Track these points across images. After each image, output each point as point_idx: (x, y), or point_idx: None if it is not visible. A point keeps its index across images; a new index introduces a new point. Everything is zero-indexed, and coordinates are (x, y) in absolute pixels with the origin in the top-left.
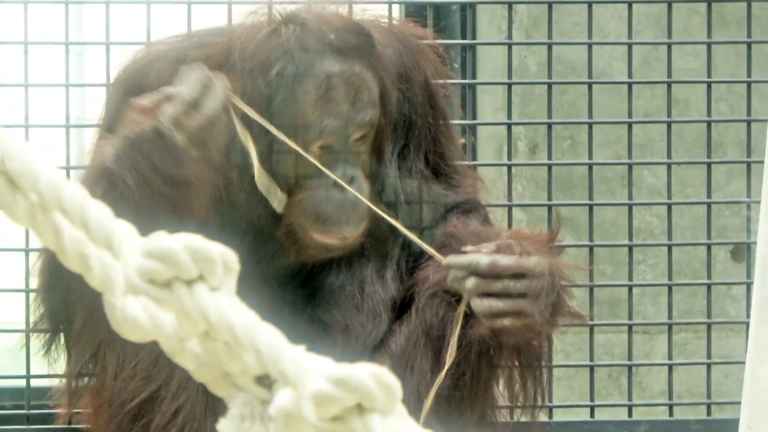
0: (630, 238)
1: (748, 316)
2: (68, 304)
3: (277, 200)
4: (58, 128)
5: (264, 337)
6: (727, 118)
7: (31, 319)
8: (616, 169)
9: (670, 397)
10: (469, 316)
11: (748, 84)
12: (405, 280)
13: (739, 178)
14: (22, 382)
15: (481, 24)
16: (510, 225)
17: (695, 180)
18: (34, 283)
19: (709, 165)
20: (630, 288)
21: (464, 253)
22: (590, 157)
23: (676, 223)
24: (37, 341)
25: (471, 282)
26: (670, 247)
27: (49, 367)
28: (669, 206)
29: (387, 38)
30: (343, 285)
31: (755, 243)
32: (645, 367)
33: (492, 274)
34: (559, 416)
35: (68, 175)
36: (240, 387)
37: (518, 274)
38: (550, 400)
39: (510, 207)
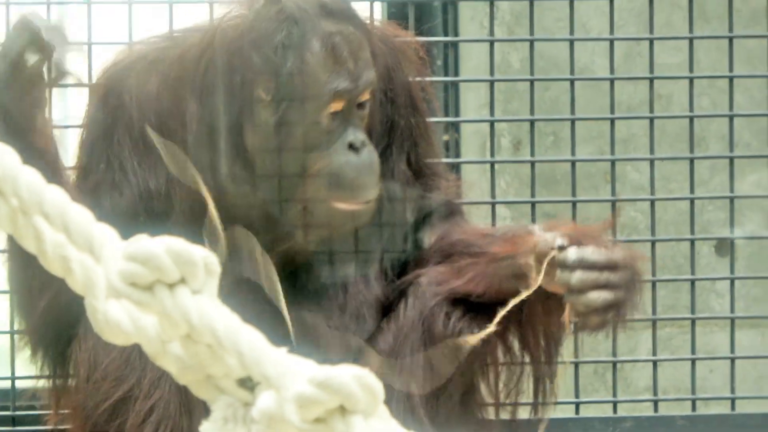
0: (614, 234)
1: (732, 311)
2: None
3: (219, 247)
4: None
5: (246, 340)
6: (709, 113)
7: (16, 321)
8: (599, 165)
9: (655, 393)
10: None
11: (730, 79)
12: (391, 281)
13: (722, 173)
14: (8, 384)
15: (464, 21)
16: (494, 222)
17: (678, 175)
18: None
19: (692, 160)
20: None
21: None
22: (573, 153)
23: (659, 219)
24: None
25: (577, 276)
26: (653, 242)
27: (34, 369)
28: (652, 202)
29: (371, 38)
30: (326, 286)
31: (739, 238)
32: (630, 364)
33: (594, 266)
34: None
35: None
36: (223, 389)
37: (612, 267)
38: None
39: (493, 204)
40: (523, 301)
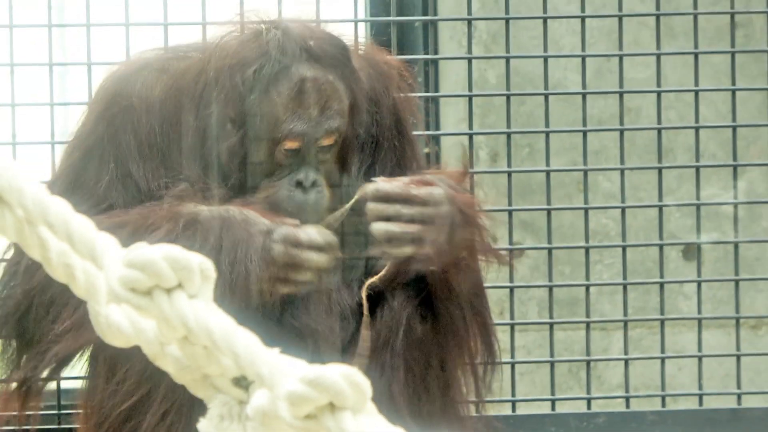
0: (587, 240)
1: (699, 312)
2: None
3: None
4: (44, 145)
5: (241, 341)
6: (676, 125)
7: None
8: (572, 175)
9: (627, 390)
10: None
11: (696, 93)
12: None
13: (689, 182)
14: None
15: (443, 40)
16: None
17: (647, 184)
18: None
19: (660, 170)
20: (587, 287)
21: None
22: (548, 164)
23: (629, 225)
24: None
25: (369, 206)
26: (624, 248)
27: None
28: (623, 209)
29: (359, 63)
30: (312, 291)
31: (705, 243)
32: (603, 362)
33: (384, 198)
34: (522, 410)
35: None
36: (218, 388)
37: (413, 202)
38: (513, 395)
39: None
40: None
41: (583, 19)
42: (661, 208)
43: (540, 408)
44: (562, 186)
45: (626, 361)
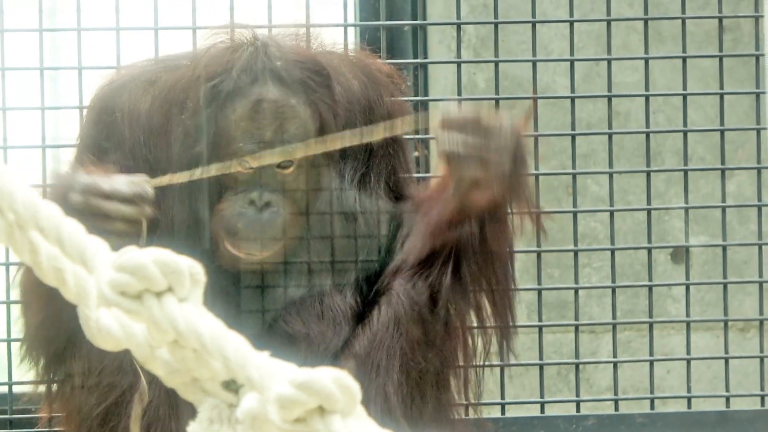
0: (575, 243)
1: (687, 315)
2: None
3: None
4: (35, 149)
5: (231, 345)
6: (664, 129)
7: (13, 329)
8: (561, 179)
9: (616, 393)
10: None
11: (684, 96)
12: (365, 291)
13: (678, 185)
14: (5, 388)
15: (432, 44)
16: None
17: (636, 188)
18: (15, 295)
19: (648, 173)
20: (576, 290)
21: None
22: (537, 167)
23: (618, 229)
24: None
25: (445, 134)
26: (613, 251)
27: (31, 374)
28: (612, 213)
29: (353, 71)
30: (303, 296)
31: (693, 246)
32: (592, 365)
33: (464, 128)
34: (511, 412)
35: (45, 193)
36: (208, 392)
37: (481, 131)
38: (503, 398)
39: None
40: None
41: (571, 23)
42: (649, 211)
43: (529, 411)
44: (551, 189)
45: (615, 364)
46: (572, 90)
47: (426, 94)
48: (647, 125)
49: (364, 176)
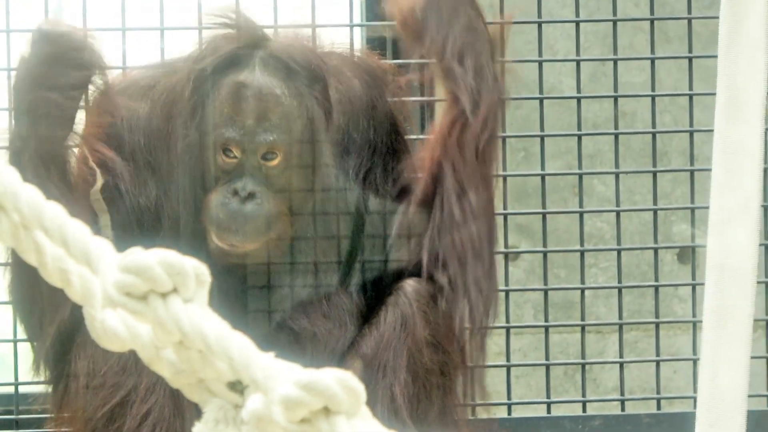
0: (582, 244)
1: (694, 315)
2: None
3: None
4: None
5: (236, 346)
6: (671, 129)
7: (18, 330)
8: (567, 179)
9: (622, 393)
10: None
11: (690, 96)
12: (372, 290)
13: (684, 186)
14: (11, 389)
15: None
16: None
17: (642, 188)
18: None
19: (654, 173)
20: (582, 290)
21: None
22: (543, 167)
23: (624, 229)
24: (25, 350)
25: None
26: (619, 251)
27: (36, 374)
28: (618, 213)
29: (354, 70)
30: (309, 295)
31: (700, 246)
32: (598, 365)
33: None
34: (517, 413)
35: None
36: (214, 392)
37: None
38: (509, 398)
39: None
40: None
41: (577, 23)
42: (655, 211)
43: (535, 411)
44: (558, 190)
45: (621, 364)
46: (578, 90)
47: (432, 95)
48: (653, 125)
49: (368, 172)
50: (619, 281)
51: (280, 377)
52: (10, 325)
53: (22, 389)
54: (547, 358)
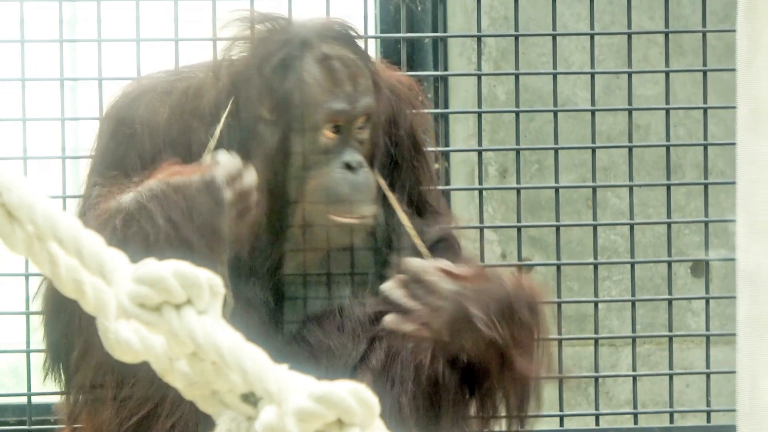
0: (595, 257)
1: (707, 328)
2: (69, 327)
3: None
4: (55, 159)
5: (249, 357)
6: (685, 142)
7: (32, 340)
8: (581, 192)
9: (635, 406)
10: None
11: (705, 110)
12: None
13: (698, 199)
14: (24, 399)
15: (452, 56)
16: (482, 245)
17: (656, 201)
18: (34, 306)
19: (668, 187)
20: (596, 303)
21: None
22: (557, 180)
23: (638, 242)
24: (38, 360)
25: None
26: (633, 264)
27: (50, 385)
28: (632, 226)
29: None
30: (325, 308)
31: (713, 260)
32: (611, 378)
33: (410, 278)
34: (529, 426)
35: (64, 204)
36: (227, 404)
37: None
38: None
39: (482, 228)
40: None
41: (592, 36)
42: (669, 224)
43: (548, 424)
44: (571, 202)
45: (634, 377)
46: (593, 103)
47: (446, 107)
48: (668, 138)
49: (389, 187)
50: (633, 294)
51: (293, 389)
52: (23, 335)
53: (35, 399)
54: (560, 371)
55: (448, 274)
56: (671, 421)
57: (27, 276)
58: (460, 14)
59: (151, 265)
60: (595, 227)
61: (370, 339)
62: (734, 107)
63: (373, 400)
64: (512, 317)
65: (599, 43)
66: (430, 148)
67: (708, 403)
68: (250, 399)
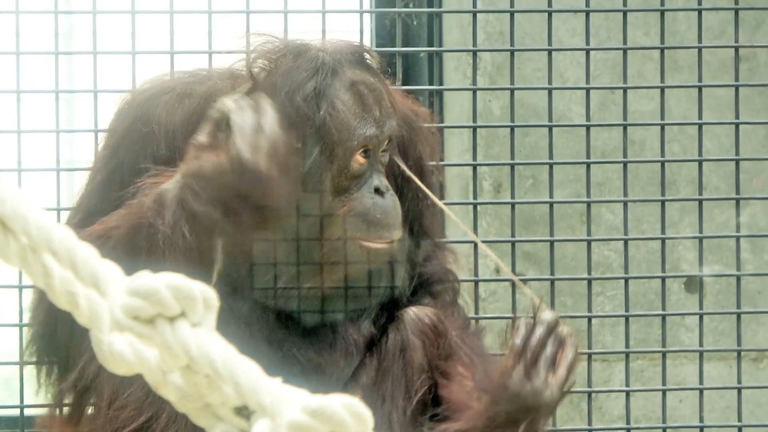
0: (589, 272)
1: (701, 344)
2: (61, 337)
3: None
4: (49, 172)
5: (243, 370)
6: (680, 158)
7: (25, 352)
8: (575, 207)
9: (628, 422)
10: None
11: (700, 126)
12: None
13: (692, 215)
14: (17, 411)
15: (448, 71)
16: (476, 260)
17: (650, 216)
18: (27, 318)
19: (663, 202)
20: (589, 319)
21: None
22: (551, 195)
23: (632, 257)
24: (30, 372)
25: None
26: (627, 280)
27: (42, 397)
28: (626, 241)
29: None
30: (318, 326)
31: (707, 276)
32: (604, 393)
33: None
34: None
35: (58, 216)
36: (220, 417)
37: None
38: None
39: (476, 243)
40: None
41: (587, 51)
42: (663, 240)
43: None
44: (565, 217)
45: (627, 393)
46: (587, 118)
47: (441, 121)
48: (662, 154)
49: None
50: (626, 310)
51: (287, 403)
52: (16, 347)
53: (27, 412)
54: None
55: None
56: None
57: (20, 288)
58: (455, 29)
59: (145, 278)
60: (589, 242)
61: (362, 357)
62: (728, 123)
63: (366, 413)
64: None
65: (594, 59)
66: (431, 162)
67: (701, 419)
68: (244, 412)
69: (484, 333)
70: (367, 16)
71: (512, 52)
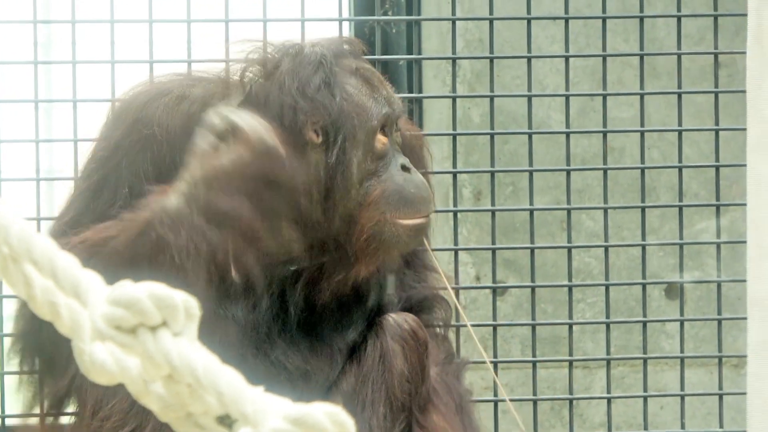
0: (570, 279)
1: (681, 351)
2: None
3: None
4: (29, 182)
5: (225, 379)
6: (659, 164)
7: (6, 361)
8: (555, 214)
9: (609, 429)
10: None
11: (679, 132)
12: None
13: (672, 221)
14: None
15: (427, 78)
16: (456, 268)
17: (630, 223)
18: (8, 327)
19: (643, 209)
20: (570, 326)
21: None
22: (531, 202)
23: (612, 264)
24: (11, 382)
25: None
26: (607, 286)
27: (24, 407)
28: (606, 248)
29: None
30: (303, 333)
31: (687, 282)
32: (585, 400)
33: None
34: None
35: (38, 226)
36: (203, 427)
37: None
38: None
39: (456, 251)
40: None
41: (566, 58)
42: (644, 247)
43: None
44: (546, 224)
45: (609, 400)
46: (567, 125)
47: (421, 128)
48: (642, 161)
49: None
50: (607, 316)
51: (269, 411)
52: None
53: (9, 422)
54: (534, 393)
55: None
56: None
57: (0, 298)
58: (434, 36)
59: (126, 287)
60: (569, 249)
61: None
62: (708, 129)
63: (348, 422)
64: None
65: (574, 66)
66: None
67: (682, 425)
68: (226, 421)
69: (466, 369)
70: (346, 24)
71: (491, 60)
